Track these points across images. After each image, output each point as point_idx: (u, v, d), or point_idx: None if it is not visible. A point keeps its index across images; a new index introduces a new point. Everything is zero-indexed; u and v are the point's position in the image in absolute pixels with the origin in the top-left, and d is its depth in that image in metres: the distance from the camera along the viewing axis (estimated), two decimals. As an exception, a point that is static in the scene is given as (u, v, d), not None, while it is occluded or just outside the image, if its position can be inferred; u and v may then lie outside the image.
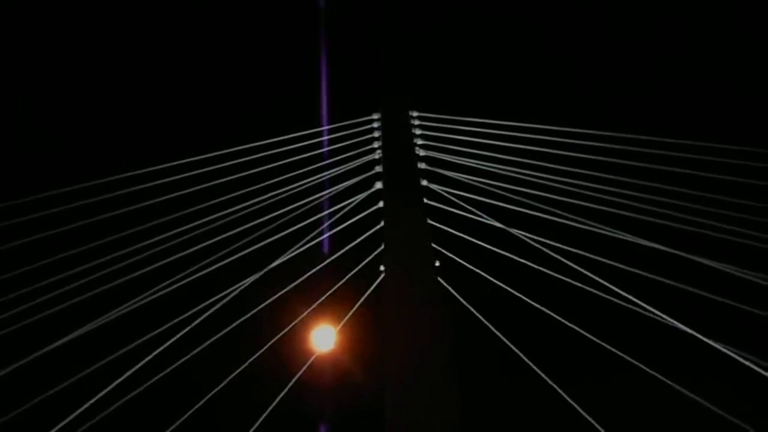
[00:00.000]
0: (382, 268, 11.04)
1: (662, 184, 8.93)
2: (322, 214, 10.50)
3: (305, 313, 9.98)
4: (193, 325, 8.63)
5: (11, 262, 9.23)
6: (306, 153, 12.11)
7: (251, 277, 9.46)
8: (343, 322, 10.05)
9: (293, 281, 9.67)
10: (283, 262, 9.89)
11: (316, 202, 10.69)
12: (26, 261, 9.27)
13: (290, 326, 9.66)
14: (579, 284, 7.90)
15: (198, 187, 11.36)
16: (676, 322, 6.93)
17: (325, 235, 9.63)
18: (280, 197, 11.06)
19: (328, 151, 11.85)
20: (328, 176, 11.65)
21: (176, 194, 10.70)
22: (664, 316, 7.05)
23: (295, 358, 8.65)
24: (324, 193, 10.78)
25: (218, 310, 9.00)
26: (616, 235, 8.18)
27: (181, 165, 11.11)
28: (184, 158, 11.56)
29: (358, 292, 10.61)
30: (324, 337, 7.51)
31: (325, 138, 11.99)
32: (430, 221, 9.40)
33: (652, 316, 7.19)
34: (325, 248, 9.65)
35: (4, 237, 9.48)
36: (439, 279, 8.35)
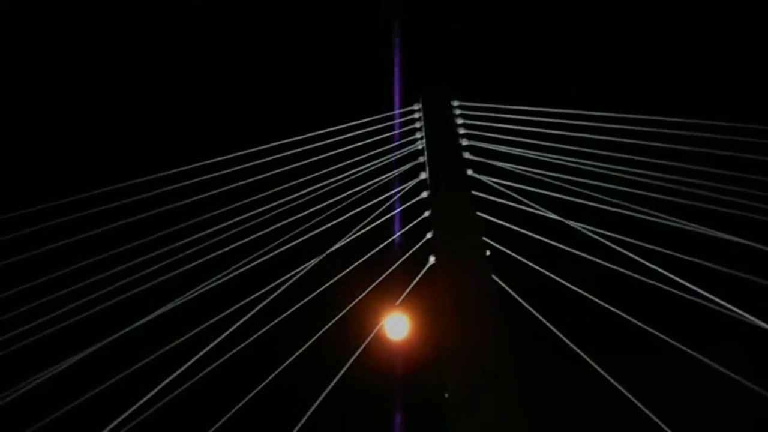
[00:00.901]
0: (432, 259, 10.96)
1: (722, 170, 8.51)
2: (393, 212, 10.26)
3: (354, 302, 9.92)
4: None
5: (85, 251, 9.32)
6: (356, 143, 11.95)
7: (311, 262, 9.42)
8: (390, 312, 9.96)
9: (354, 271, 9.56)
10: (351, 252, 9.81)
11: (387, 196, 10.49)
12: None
13: (338, 316, 9.60)
14: (633, 274, 7.59)
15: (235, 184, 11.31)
16: (751, 317, 6.60)
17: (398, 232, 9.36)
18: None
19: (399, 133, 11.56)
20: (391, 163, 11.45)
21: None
22: (737, 310, 6.70)
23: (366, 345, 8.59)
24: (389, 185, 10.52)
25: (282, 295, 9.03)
26: (678, 225, 7.81)
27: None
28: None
29: (406, 281, 10.50)
30: (397, 325, 7.30)
31: (397, 122, 11.72)
32: (478, 212, 9.14)
33: (724, 311, 6.85)
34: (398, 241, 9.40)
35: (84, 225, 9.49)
36: (491, 269, 8.12)
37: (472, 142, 11.07)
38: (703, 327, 7.58)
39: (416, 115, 12.68)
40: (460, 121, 11.92)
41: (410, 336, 7.32)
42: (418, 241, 11.06)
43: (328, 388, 8.41)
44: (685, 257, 7.43)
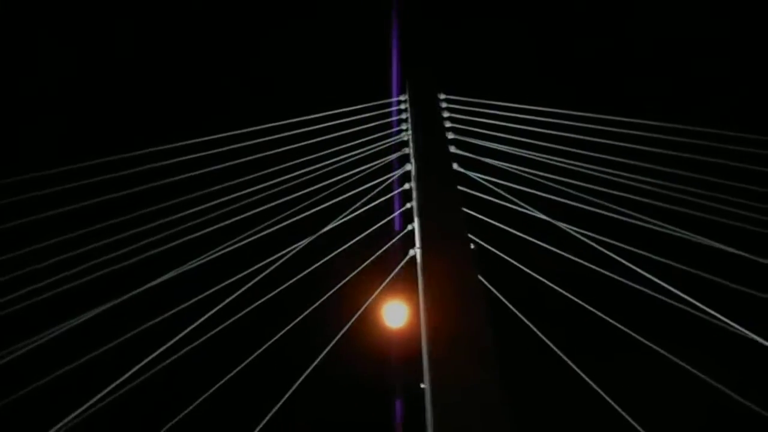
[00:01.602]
0: (411, 252, 10.82)
1: (707, 176, 8.45)
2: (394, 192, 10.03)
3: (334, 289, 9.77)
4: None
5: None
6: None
7: (304, 241, 9.27)
8: (371, 300, 9.82)
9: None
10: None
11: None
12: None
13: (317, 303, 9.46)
14: (610, 274, 7.52)
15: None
16: (732, 323, 6.57)
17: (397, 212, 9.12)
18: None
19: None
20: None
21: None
22: (717, 314, 6.66)
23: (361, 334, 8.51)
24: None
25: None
26: (665, 230, 7.74)
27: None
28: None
29: (386, 271, 10.37)
30: (395, 313, 7.13)
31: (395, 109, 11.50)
32: (464, 208, 8.99)
33: (704, 316, 6.80)
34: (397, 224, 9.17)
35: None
36: (476, 265, 7.99)
37: (459, 137, 10.92)
38: (683, 331, 7.54)
39: (402, 106, 12.49)
40: (446, 114, 11.75)
41: (407, 324, 7.12)
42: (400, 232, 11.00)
43: (311, 368, 8.40)
44: (671, 263, 7.36)
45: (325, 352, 8.84)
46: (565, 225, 8.19)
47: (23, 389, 7.41)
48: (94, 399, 7.13)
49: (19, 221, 8.83)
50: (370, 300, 9.79)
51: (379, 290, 9.98)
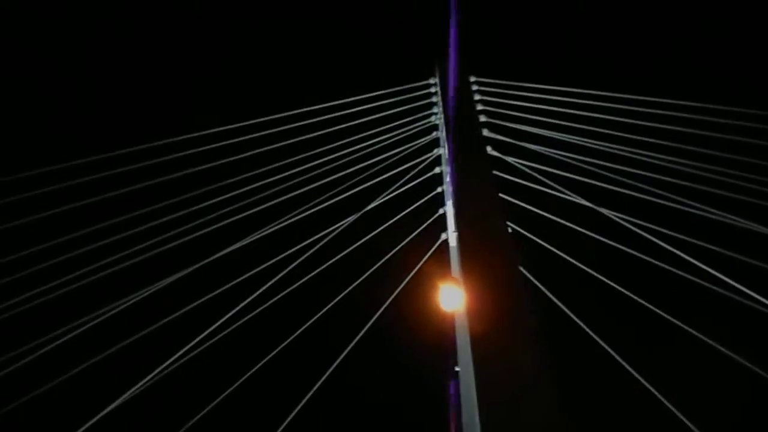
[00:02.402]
0: (444, 235, 10.50)
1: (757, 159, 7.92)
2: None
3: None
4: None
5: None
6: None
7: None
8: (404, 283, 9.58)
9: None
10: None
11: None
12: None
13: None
14: (660, 264, 7.12)
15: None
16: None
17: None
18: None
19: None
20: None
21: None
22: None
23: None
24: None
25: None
26: (716, 217, 7.28)
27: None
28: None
29: (416, 254, 10.11)
30: (451, 297, 6.84)
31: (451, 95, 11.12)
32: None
33: (753, 305, 6.38)
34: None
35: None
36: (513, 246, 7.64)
37: (492, 120, 10.51)
38: (734, 321, 7.12)
39: (432, 90, 12.10)
40: (477, 97, 11.34)
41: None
42: (430, 216, 10.69)
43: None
44: (721, 250, 6.91)
45: (361, 333, 8.68)
46: (610, 212, 7.76)
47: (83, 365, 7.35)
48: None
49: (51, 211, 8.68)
50: (404, 282, 9.59)
51: (412, 273, 9.78)
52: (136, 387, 7.07)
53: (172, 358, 7.33)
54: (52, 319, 7.80)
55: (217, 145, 10.30)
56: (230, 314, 7.87)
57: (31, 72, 14.17)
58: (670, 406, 6.35)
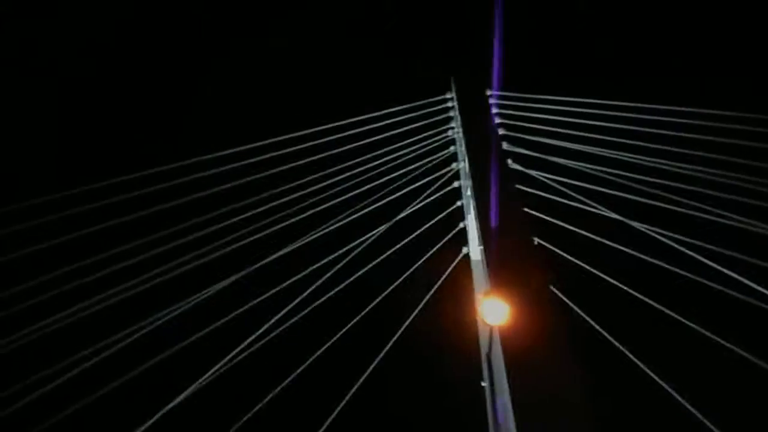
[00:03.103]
0: (465, 249, 10.21)
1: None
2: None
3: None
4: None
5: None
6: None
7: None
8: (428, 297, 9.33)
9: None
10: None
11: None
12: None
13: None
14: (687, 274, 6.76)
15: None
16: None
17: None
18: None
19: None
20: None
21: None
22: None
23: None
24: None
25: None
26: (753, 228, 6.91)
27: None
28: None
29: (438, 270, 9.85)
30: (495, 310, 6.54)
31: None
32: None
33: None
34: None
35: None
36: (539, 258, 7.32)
37: (511, 133, 10.23)
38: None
39: (449, 104, 11.86)
40: (495, 110, 11.09)
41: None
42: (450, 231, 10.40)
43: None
44: (759, 262, 6.53)
45: (387, 346, 8.43)
46: (641, 225, 7.41)
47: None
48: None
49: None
50: (427, 297, 9.32)
51: (434, 288, 9.51)
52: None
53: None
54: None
55: (239, 164, 10.11)
56: (260, 331, 7.63)
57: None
58: (700, 416, 5.99)
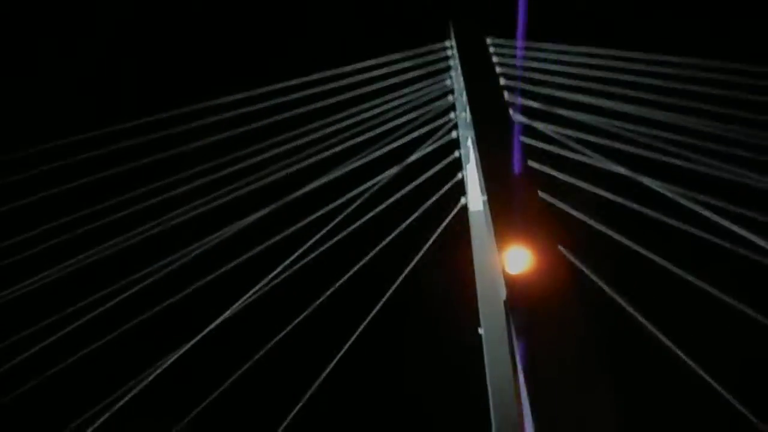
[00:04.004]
0: (463, 200, 9.72)
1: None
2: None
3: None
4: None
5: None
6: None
7: None
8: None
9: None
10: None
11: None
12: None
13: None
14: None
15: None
16: None
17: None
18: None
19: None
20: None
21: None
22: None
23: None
24: None
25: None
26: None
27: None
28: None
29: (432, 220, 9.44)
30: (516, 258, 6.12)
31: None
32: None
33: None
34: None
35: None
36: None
37: (513, 83, 9.58)
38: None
39: (448, 52, 11.13)
40: (496, 59, 10.40)
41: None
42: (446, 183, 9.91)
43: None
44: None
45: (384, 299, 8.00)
46: (653, 181, 6.89)
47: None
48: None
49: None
50: (423, 249, 8.87)
51: (431, 239, 9.07)
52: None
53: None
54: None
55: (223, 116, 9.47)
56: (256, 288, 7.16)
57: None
58: (715, 385, 5.64)
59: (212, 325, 7.14)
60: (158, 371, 6.68)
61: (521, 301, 5.98)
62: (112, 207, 8.17)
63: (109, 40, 13.82)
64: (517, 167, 7.51)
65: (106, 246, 7.74)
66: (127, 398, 6.44)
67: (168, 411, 7.14)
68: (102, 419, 6.40)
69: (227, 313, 7.34)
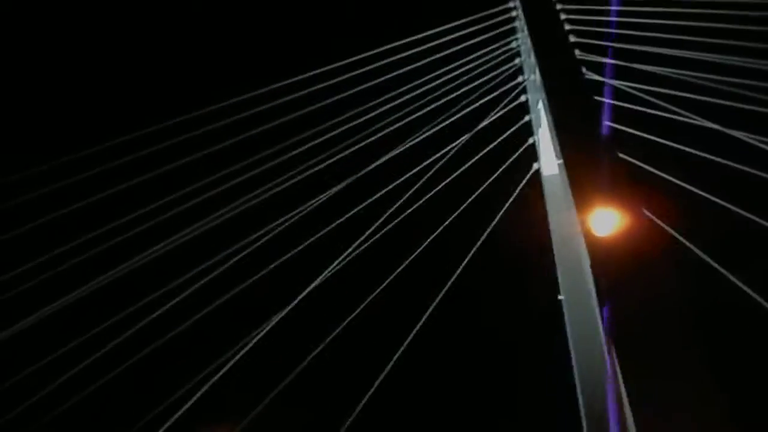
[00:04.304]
0: (535, 165, 9.39)
1: None
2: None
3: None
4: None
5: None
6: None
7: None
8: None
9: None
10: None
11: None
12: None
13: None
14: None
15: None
16: None
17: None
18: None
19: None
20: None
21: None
22: None
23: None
24: None
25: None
26: None
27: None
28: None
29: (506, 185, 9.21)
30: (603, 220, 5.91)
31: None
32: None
33: None
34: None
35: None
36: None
37: (584, 40, 9.10)
38: None
39: (513, 14, 10.69)
40: (563, 16, 9.89)
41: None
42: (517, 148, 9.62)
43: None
44: None
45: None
46: (745, 134, 6.39)
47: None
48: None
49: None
50: (498, 217, 8.68)
51: (507, 204, 8.83)
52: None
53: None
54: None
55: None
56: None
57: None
58: None
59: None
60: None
61: (609, 264, 5.72)
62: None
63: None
64: (594, 128, 7.14)
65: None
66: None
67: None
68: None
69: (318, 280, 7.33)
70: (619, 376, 5.16)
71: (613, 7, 9.43)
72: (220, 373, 6.47)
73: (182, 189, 8.04)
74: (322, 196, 8.04)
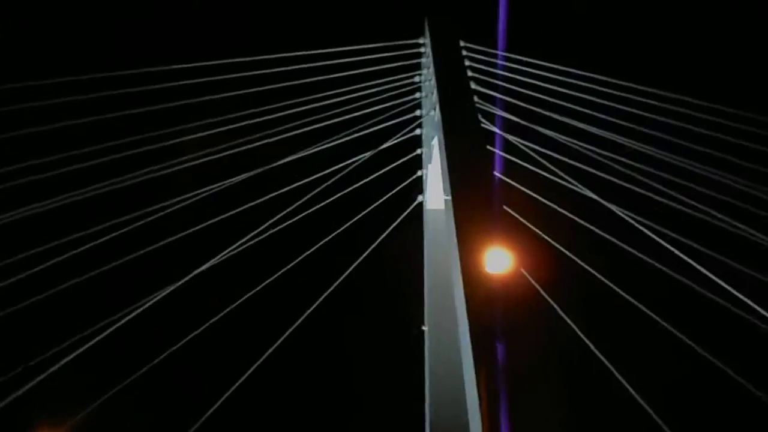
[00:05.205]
0: (420, 198, 9.36)
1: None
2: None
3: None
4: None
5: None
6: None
7: None
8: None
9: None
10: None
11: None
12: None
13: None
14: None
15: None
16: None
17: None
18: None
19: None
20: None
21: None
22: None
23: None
24: None
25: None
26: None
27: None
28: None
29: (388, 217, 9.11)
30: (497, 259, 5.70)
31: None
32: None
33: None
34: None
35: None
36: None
37: (482, 89, 9.21)
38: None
39: (422, 50, 10.65)
40: (467, 63, 10.00)
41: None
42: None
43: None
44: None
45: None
46: (618, 208, 6.67)
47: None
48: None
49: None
50: (375, 243, 8.47)
51: (384, 234, 8.65)
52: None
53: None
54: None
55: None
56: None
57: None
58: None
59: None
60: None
61: (479, 306, 5.63)
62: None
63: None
64: (486, 174, 7.14)
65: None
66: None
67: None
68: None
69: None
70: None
71: (502, 63, 9.73)
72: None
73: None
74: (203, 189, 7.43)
